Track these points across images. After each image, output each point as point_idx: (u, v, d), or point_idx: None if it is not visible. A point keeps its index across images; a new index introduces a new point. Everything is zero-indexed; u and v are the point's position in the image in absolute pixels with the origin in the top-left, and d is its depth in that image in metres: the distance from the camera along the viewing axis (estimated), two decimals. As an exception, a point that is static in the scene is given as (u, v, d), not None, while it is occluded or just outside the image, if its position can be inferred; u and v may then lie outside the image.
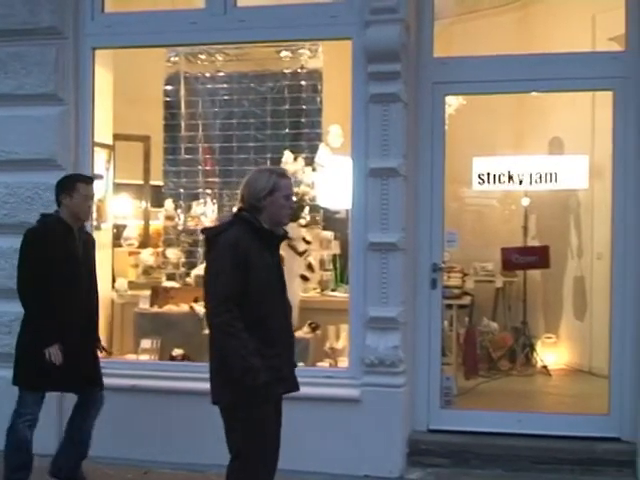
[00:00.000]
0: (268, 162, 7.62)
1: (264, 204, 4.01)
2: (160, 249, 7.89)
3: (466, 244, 7.22)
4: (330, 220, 7.80)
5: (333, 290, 7.50)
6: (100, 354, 5.48)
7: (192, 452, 5.81)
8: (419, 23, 6.08)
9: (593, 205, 8.50)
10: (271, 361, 3.88)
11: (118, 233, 7.68)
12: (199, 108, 8.11)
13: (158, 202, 8.27)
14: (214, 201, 7.94)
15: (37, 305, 5.06)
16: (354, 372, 5.91)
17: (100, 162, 6.71)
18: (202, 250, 7.40)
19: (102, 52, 6.47)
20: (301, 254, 7.22)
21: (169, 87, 8.16)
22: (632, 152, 5.79)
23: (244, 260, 3.86)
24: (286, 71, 7.93)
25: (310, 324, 6.87)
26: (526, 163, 8.21)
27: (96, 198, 6.33)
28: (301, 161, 7.53)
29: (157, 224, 8.21)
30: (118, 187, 7.51)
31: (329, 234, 7.74)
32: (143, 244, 8.07)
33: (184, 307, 7.10)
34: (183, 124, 8.11)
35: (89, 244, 5.45)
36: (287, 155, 7.47)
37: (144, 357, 6.79)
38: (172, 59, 8.14)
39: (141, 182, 8.51)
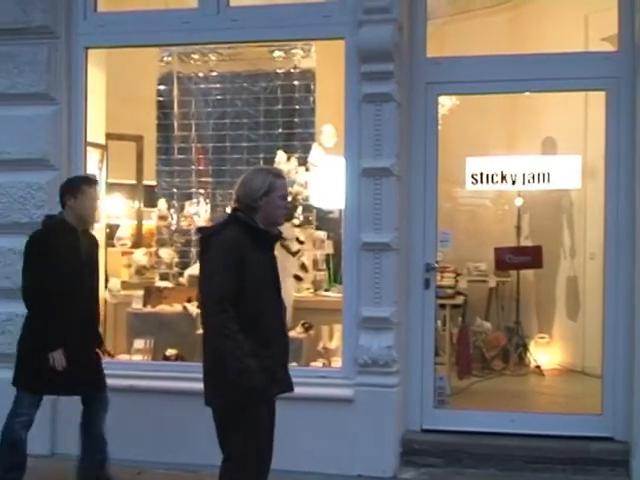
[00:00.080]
0: (261, 162, 7.62)
1: (260, 204, 4.00)
2: (153, 249, 7.88)
3: (459, 244, 7.22)
4: (323, 220, 7.81)
5: (326, 290, 7.51)
6: (103, 357, 5.46)
7: (185, 452, 5.81)
8: (412, 23, 6.09)
9: (586, 205, 8.51)
10: (266, 362, 3.87)
11: (111, 233, 7.66)
12: (192, 108, 8.11)
13: (151, 202, 8.26)
14: (207, 201, 7.93)
15: (41, 307, 5.04)
16: (347, 372, 5.91)
17: (93, 162, 6.69)
18: (195, 250, 7.40)
19: (95, 51, 6.46)
20: (294, 254, 7.22)
21: (162, 87, 8.16)
22: (624, 152, 5.80)
23: (239, 260, 3.85)
24: (279, 71, 7.93)
25: (303, 324, 6.87)
26: (519, 163, 8.21)
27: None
28: (294, 161, 7.54)
29: (150, 224, 8.20)
30: (111, 187, 7.51)
31: (322, 234, 7.75)
32: (136, 244, 8.05)
33: (177, 307, 7.10)
34: (176, 124, 8.10)
35: (93, 246, 5.44)
36: (280, 155, 7.47)
37: (137, 357, 6.78)
38: (165, 59, 8.14)
39: (134, 182, 8.50)
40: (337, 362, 6.32)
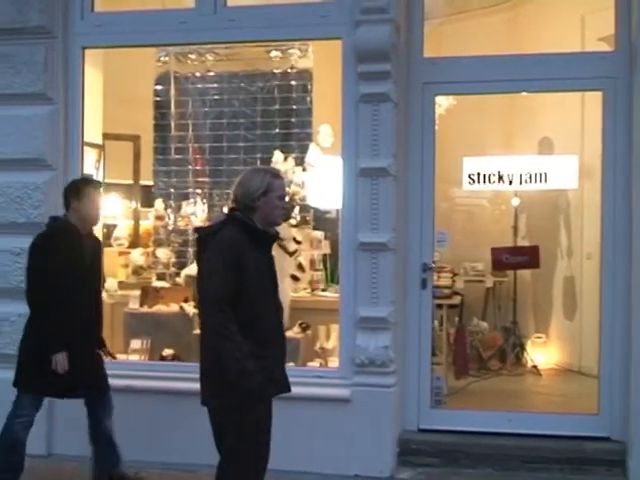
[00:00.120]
0: (258, 162, 7.61)
1: (258, 204, 4.00)
2: (150, 249, 7.88)
3: (456, 244, 7.23)
4: (320, 220, 7.81)
5: (323, 290, 7.50)
6: (106, 359, 5.46)
7: (182, 452, 5.80)
8: (409, 23, 6.09)
9: (583, 205, 8.52)
10: (263, 362, 3.87)
11: (108, 233, 7.66)
12: (189, 108, 8.10)
13: (148, 202, 8.26)
14: (204, 201, 7.93)
15: (44, 309, 5.02)
16: (344, 372, 5.91)
17: (90, 162, 6.69)
18: (192, 250, 7.41)
19: (92, 51, 6.46)
20: (291, 254, 7.22)
21: (159, 87, 8.15)
22: (621, 152, 5.80)
23: (238, 260, 3.85)
24: (276, 71, 7.93)
25: (300, 324, 6.88)
26: (516, 163, 8.22)
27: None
28: (291, 161, 7.54)
29: (147, 224, 8.20)
30: (108, 187, 7.49)
31: (319, 234, 7.75)
32: (133, 244, 8.05)
33: (174, 307, 7.10)
34: (173, 124, 8.10)
35: (96, 248, 5.44)
36: (277, 155, 7.47)
37: (134, 357, 6.78)
38: (162, 59, 8.13)
39: (131, 182, 8.49)
40: (334, 362, 6.32)
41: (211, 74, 8.09)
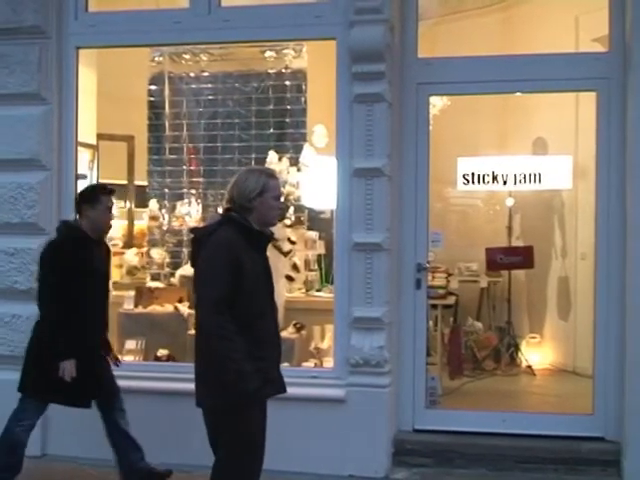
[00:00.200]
0: (253, 162, 7.61)
1: (254, 205, 4.00)
2: (144, 249, 7.88)
3: (451, 244, 7.24)
4: (315, 220, 7.81)
5: (318, 290, 7.51)
6: (112, 362, 5.45)
7: (177, 453, 5.79)
8: (403, 23, 6.09)
9: (577, 205, 8.53)
10: (260, 363, 3.87)
11: (102, 233, 7.64)
12: (183, 108, 8.10)
13: (142, 202, 8.26)
14: (199, 201, 7.93)
15: (56, 316, 4.99)
16: (339, 372, 5.91)
17: (84, 162, 6.69)
18: (187, 250, 7.39)
19: (86, 51, 6.45)
20: (286, 254, 7.23)
21: (153, 87, 8.14)
22: (615, 152, 5.81)
23: (235, 261, 3.84)
24: (270, 71, 7.93)
25: (295, 324, 6.88)
26: (510, 163, 8.23)
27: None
28: (286, 161, 7.54)
29: (141, 224, 8.19)
30: (102, 187, 7.48)
31: (314, 234, 7.75)
32: (127, 244, 8.05)
33: (169, 307, 7.10)
34: (167, 124, 8.09)
35: (106, 254, 5.42)
36: (272, 155, 7.47)
37: (129, 358, 6.76)
38: (156, 59, 8.12)
39: (125, 182, 8.49)
40: (329, 362, 6.32)
41: (205, 74, 8.08)
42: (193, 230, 4.40)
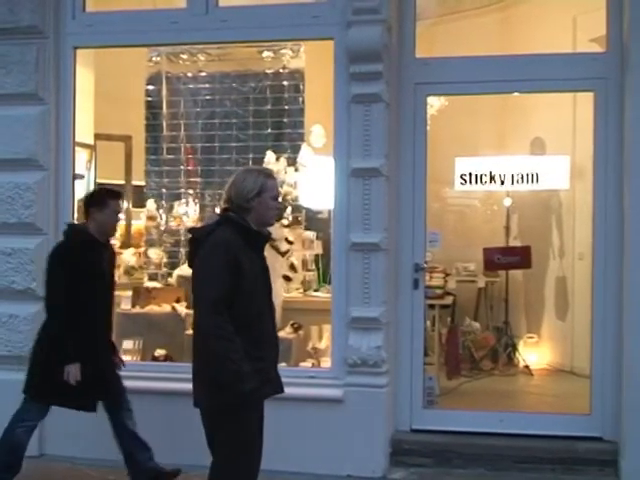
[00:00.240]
0: (250, 162, 7.61)
1: (253, 205, 3.99)
2: (142, 249, 7.87)
3: (448, 244, 7.24)
4: (312, 220, 7.81)
5: (316, 290, 7.51)
6: (116, 364, 5.44)
7: (174, 453, 5.77)
8: (401, 23, 6.09)
9: (574, 205, 8.53)
10: (259, 364, 3.87)
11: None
12: (181, 108, 8.09)
13: (140, 202, 8.25)
14: (196, 201, 7.93)
15: (64, 319, 4.98)
16: (337, 372, 5.91)
17: (81, 162, 6.69)
18: (184, 250, 7.39)
19: (83, 51, 6.44)
20: (283, 254, 7.22)
21: (151, 87, 8.14)
22: (613, 153, 5.82)
23: (233, 261, 3.83)
24: (268, 71, 7.92)
25: (293, 324, 6.88)
26: (508, 163, 8.24)
27: (77, 198, 6.34)
28: (283, 161, 7.54)
29: (139, 224, 8.18)
30: (99, 187, 7.48)
31: (311, 234, 7.75)
32: (125, 244, 8.03)
33: (166, 307, 7.09)
34: (165, 124, 8.08)
35: (112, 257, 5.45)
36: (269, 155, 7.47)
37: (126, 358, 6.71)
38: (154, 59, 8.11)
39: (123, 182, 8.48)
40: (326, 362, 6.32)
41: (203, 74, 8.08)
42: (191, 230, 4.40)
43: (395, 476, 5.78)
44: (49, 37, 6.21)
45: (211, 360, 3.83)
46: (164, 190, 8.02)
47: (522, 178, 8.17)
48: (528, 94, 6.86)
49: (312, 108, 7.71)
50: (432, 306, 7.48)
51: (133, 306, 7.13)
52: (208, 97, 8.03)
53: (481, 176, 8.18)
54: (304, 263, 7.69)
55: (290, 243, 7.34)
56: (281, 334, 6.25)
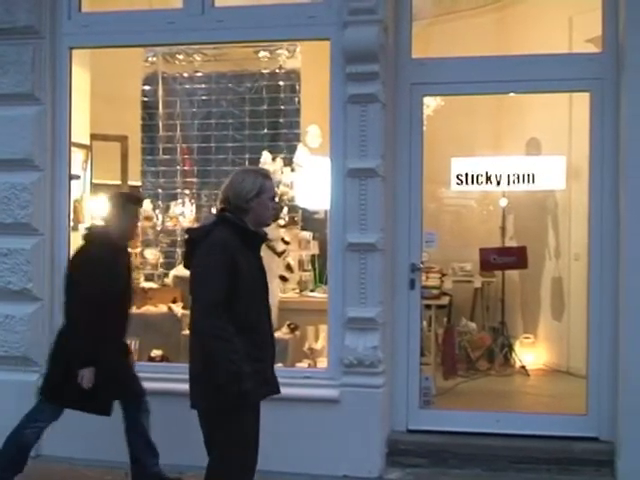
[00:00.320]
0: (246, 162, 7.61)
1: (251, 205, 3.99)
2: (138, 250, 7.85)
3: (444, 244, 7.23)
4: (309, 220, 7.81)
5: (312, 291, 7.51)
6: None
7: (171, 454, 5.76)
8: (397, 24, 6.10)
9: (570, 206, 8.54)
10: (258, 364, 3.88)
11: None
12: (177, 108, 8.10)
13: (136, 203, 8.23)
14: (192, 201, 7.94)
15: (80, 324, 4.96)
16: (333, 372, 5.91)
17: (77, 162, 6.67)
18: (181, 251, 7.39)
19: (79, 52, 6.43)
20: (280, 254, 7.22)
21: (147, 87, 8.15)
22: (609, 153, 5.82)
23: (231, 261, 3.84)
24: (264, 71, 7.93)
25: (289, 325, 6.88)
26: (504, 164, 8.24)
27: (73, 198, 6.34)
28: (279, 161, 7.54)
29: (135, 224, 8.17)
30: (96, 187, 7.44)
31: (308, 234, 7.75)
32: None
33: (162, 308, 7.09)
34: (161, 124, 8.09)
35: (130, 261, 5.47)
36: (265, 155, 7.47)
37: (122, 358, 6.76)
38: (150, 59, 8.12)
39: (119, 182, 8.47)
40: (323, 363, 6.32)
41: (199, 74, 8.09)
42: (188, 231, 4.40)
43: (391, 476, 5.78)
44: (45, 37, 6.20)
45: (209, 361, 3.83)
46: (160, 190, 8.03)
47: (518, 178, 8.17)
48: (524, 94, 6.87)
49: (308, 108, 7.71)
50: (428, 306, 7.48)
51: (130, 306, 7.13)
52: (204, 97, 8.04)
53: (477, 176, 8.18)
54: (300, 263, 7.69)
55: (286, 243, 7.34)
56: (277, 334, 6.23)
